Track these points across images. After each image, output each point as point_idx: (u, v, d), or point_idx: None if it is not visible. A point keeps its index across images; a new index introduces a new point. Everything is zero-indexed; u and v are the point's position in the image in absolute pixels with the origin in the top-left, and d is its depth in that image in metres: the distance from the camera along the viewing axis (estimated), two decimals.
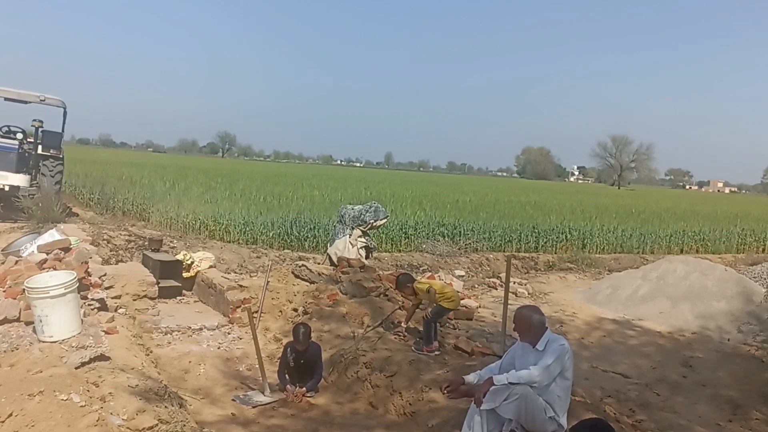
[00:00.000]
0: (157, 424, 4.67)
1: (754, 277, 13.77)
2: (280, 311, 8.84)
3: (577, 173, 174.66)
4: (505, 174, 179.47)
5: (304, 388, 6.51)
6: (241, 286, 9.33)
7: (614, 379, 7.72)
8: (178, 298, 10.13)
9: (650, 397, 7.21)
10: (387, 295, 8.78)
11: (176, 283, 10.23)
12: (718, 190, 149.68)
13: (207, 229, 16.00)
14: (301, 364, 6.62)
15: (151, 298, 9.38)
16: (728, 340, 9.80)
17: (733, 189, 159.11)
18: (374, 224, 11.03)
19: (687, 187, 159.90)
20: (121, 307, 8.32)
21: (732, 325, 10.21)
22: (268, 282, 9.04)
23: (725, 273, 11.70)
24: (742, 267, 17.33)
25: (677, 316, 10.64)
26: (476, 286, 13.29)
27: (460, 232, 17.67)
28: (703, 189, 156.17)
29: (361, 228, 10.86)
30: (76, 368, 5.13)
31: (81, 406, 4.43)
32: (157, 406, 5.02)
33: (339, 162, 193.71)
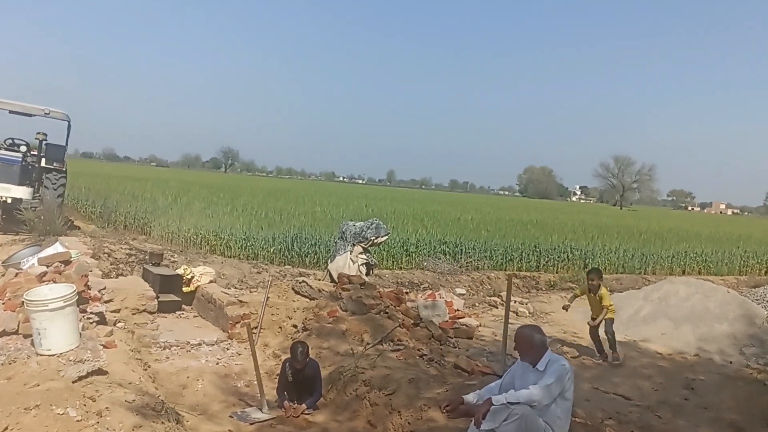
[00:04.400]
0: None
1: (757, 300, 13.70)
2: (280, 327, 8.80)
3: (579, 193, 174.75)
4: (507, 193, 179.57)
5: (304, 405, 6.47)
6: (241, 301, 9.30)
7: (615, 401, 7.65)
8: (178, 312, 10.09)
9: (652, 419, 7.14)
10: (387, 313, 8.74)
11: (176, 298, 10.21)
12: (721, 212, 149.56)
13: (208, 243, 15.97)
14: (300, 381, 6.57)
15: (151, 313, 9.34)
16: (730, 362, 9.73)
17: (735, 211, 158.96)
18: (375, 241, 11.02)
19: (689, 208, 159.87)
20: (120, 321, 8.27)
21: (734, 348, 10.14)
22: (268, 298, 9.01)
23: (727, 295, 11.64)
24: (745, 289, 17.25)
25: (679, 337, 10.58)
26: (477, 304, 13.23)
27: (461, 250, 17.63)
28: (705, 210, 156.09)
29: (362, 245, 10.84)
30: (73, 382, 5.09)
31: (77, 421, 4.40)
32: (153, 422, 4.98)
33: (341, 178, 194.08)
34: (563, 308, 9.94)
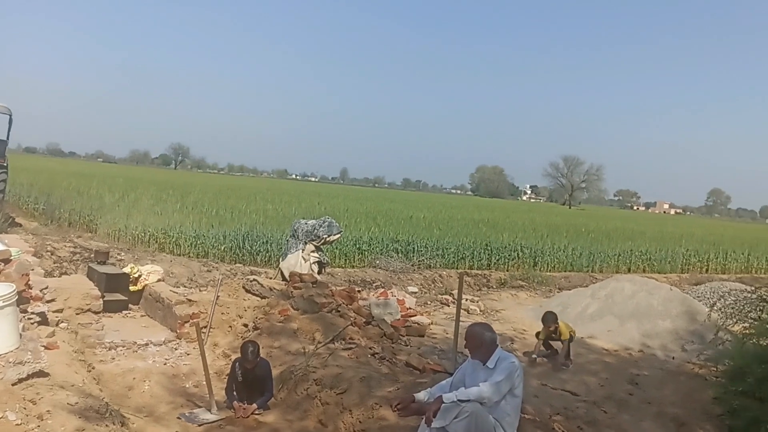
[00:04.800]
0: None
1: (698, 297, 14.15)
2: (230, 326, 8.68)
3: (529, 192, 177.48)
4: (459, 191, 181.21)
5: (254, 405, 6.39)
6: (190, 300, 9.14)
7: (563, 397, 7.78)
8: (124, 312, 9.86)
9: (598, 414, 7.28)
10: (339, 311, 8.71)
11: (122, 297, 9.97)
12: (664, 212, 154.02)
13: (156, 241, 15.66)
14: (250, 381, 6.49)
15: (96, 312, 9.10)
16: (673, 358, 10.01)
17: (678, 210, 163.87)
18: (328, 239, 10.97)
19: (635, 207, 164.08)
20: (63, 322, 8.02)
21: (676, 344, 10.44)
22: (218, 296, 8.87)
23: (670, 292, 11.98)
24: (686, 287, 17.80)
25: (624, 334, 10.83)
26: (429, 302, 13.30)
27: (413, 248, 17.72)
28: (650, 210, 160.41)
29: (314, 243, 10.77)
30: (12, 384, 4.91)
31: (17, 425, 4.25)
32: (97, 425, 4.85)
33: (294, 176, 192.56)
34: (530, 361, 9.14)
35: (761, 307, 8.36)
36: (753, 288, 10.35)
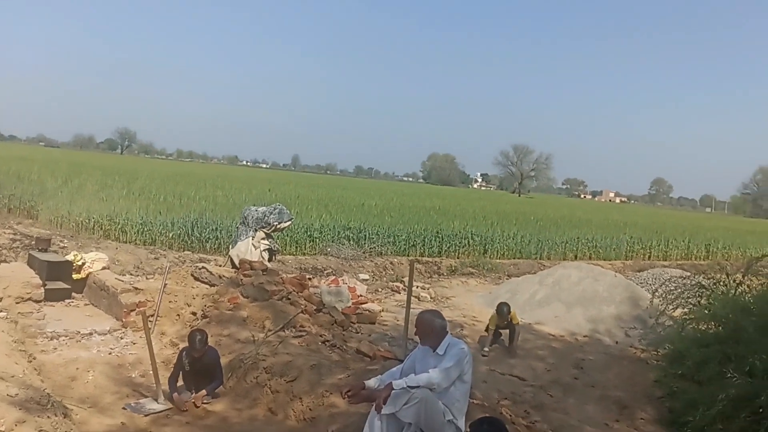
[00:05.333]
0: None
1: (641, 283, 14.56)
2: (178, 315, 8.53)
3: (480, 180, 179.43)
4: (411, 179, 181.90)
5: (204, 391, 6.30)
6: (136, 288, 8.95)
7: (511, 382, 7.93)
8: (67, 301, 9.59)
9: (544, 398, 7.45)
10: (290, 299, 8.65)
11: (65, 285, 9.69)
12: (610, 200, 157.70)
13: (101, 228, 15.27)
14: (198, 370, 6.40)
15: (37, 301, 8.85)
16: (616, 342, 10.29)
17: (623, 199, 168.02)
18: (278, 226, 10.88)
19: (582, 196, 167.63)
20: (1, 311, 7.79)
21: (620, 329, 10.74)
22: (165, 284, 8.71)
23: (615, 279, 12.30)
24: (630, 273, 18.29)
25: (570, 320, 11.08)
26: (380, 290, 13.34)
27: (365, 235, 17.73)
28: (596, 198, 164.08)
29: (264, 230, 10.68)
30: None
31: None
32: (38, 417, 4.72)
33: (245, 163, 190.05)
34: (483, 356, 8.99)
35: (700, 293, 8.66)
36: (692, 274, 10.73)
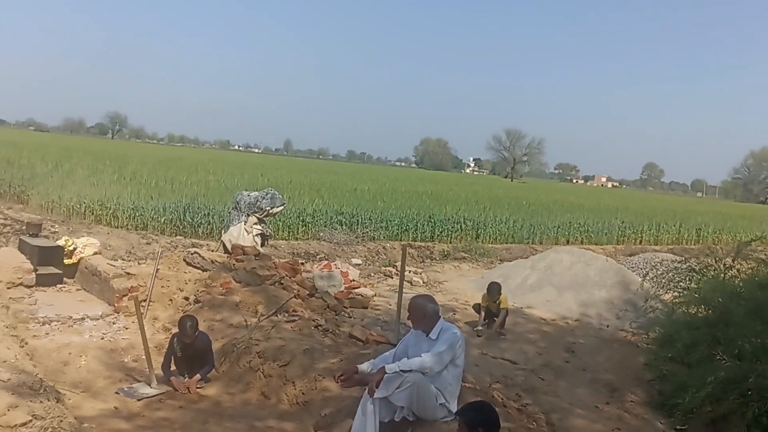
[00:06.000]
0: (30, 420, 4.40)
1: (632, 267, 14.65)
2: (171, 300, 8.53)
3: (472, 165, 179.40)
4: (403, 164, 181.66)
5: (198, 375, 6.32)
6: (128, 273, 8.92)
7: (503, 366, 7.97)
8: (59, 286, 9.55)
9: (535, 382, 7.50)
10: (282, 284, 8.66)
11: (56, 270, 9.65)
12: (602, 185, 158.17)
13: (93, 213, 15.20)
14: (190, 355, 6.41)
15: (28, 286, 8.82)
16: (607, 326, 10.37)
17: (615, 184, 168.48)
18: (270, 211, 10.86)
19: (574, 180, 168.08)
20: None
21: (611, 313, 10.81)
22: (157, 269, 8.69)
23: (606, 263, 12.37)
24: (621, 257, 18.40)
25: (562, 304, 11.14)
26: (372, 274, 13.37)
27: (357, 220, 17.73)
28: (588, 183, 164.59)
29: (256, 215, 10.65)
30: None
31: None
32: (31, 401, 4.72)
33: (237, 147, 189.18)
34: (476, 332, 9.28)
35: (690, 277, 8.72)
36: (683, 258, 10.78)
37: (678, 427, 6.68)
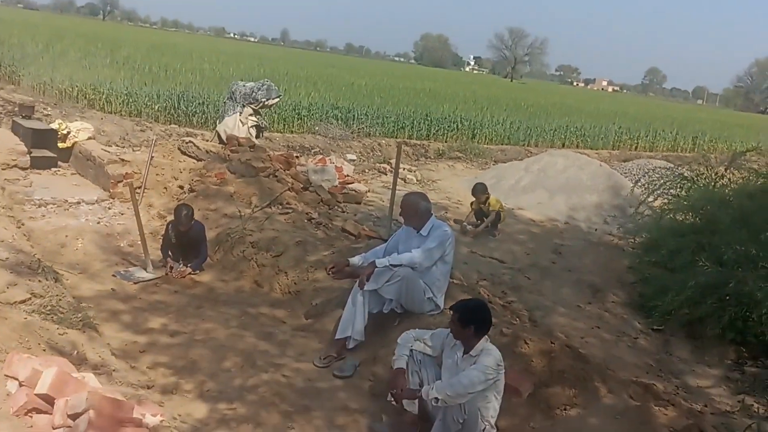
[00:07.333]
0: (30, 298, 4.55)
1: (625, 173, 14.70)
2: (165, 188, 8.57)
3: (472, 63, 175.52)
4: (402, 59, 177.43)
5: (189, 267, 6.47)
6: (123, 160, 8.92)
7: (491, 264, 8.16)
8: (53, 169, 9.56)
9: (522, 280, 7.71)
10: (277, 176, 8.69)
11: (51, 154, 9.63)
12: (603, 89, 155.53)
13: (86, 97, 14.93)
14: (185, 243, 6.53)
15: (23, 168, 8.83)
16: (595, 230, 10.53)
17: (616, 88, 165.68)
18: (266, 103, 10.74)
19: (575, 83, 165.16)
20: None
21: (600, 217, 10.94)
22: (152, 157, 8.68)
23: (599, 168, 12.39)
24: (615, 163, 18.41)
25: (552, 206, 11.24)
26: (366, 170, 13.40)
27: (353, 115, 17.51)
28: (589, 86, 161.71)
29: (252, 106, 10.54)
30: None
31: None
32: (30, 280, 4.86)
33: (232, 35, 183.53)
34: (464, 231, 9.25)
35: (681, 185, 8.80)
36: (676, 166, 10.84)
37: (655, 327, 6.97)
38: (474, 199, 9.57)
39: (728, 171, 8.99)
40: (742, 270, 6.43)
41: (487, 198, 9.46)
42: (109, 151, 9.41)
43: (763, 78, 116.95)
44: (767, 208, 6.90)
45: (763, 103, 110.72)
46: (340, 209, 9.24)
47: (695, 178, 8.78)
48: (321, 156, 12.39)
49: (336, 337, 5.16)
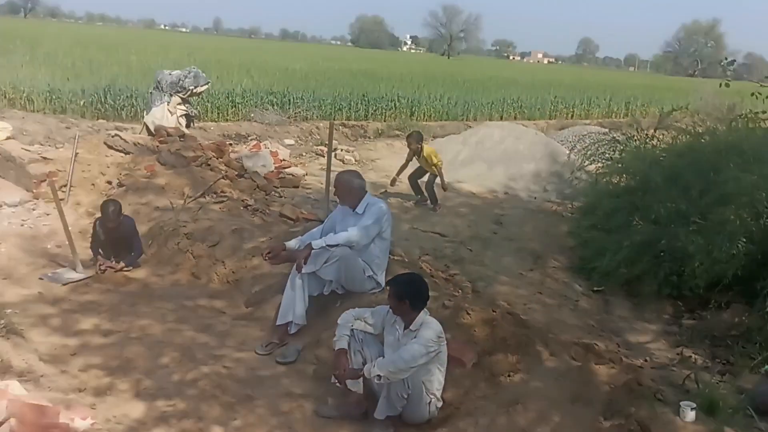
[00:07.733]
0: None
1: (561, 141, 14.89)
2: (93, 184, 8.25)
3: (409, 43, 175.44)
4: (339, 42, 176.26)
5: (122, 263, 6.23)
6: (44, 158, 8.52)
7: (433, 239, 8.14)
8: None
9: (464, 253, 7.71)
10: (209, 165, 8.47)
11: None
12: (538, 61, 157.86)
13: (5, 97, 14.26)
14: (115, 240, 6.29)
15: None
16: (535, 198, 10.65)
17: (551, 60, 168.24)
18: (195, 91, 10.47)
19: (511, 57, 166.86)
20: None
21: (538, 185, 11.07)
22: (76, 153, 8.33)
23: (536, 137, 12.54)
24: (552, 132, 18.66)
25: (492, 178, 11.31)
26: (304, 154, 13.23)
27: (289, 100, 17.27)
28: (525, 59, 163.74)
29: (180, 95, 10.25)
30: None
31: None
32: None
33: (163, 26, 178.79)
34: (390, 184, 9.90)
35: (614, 148, 8.96)
36: (609, 131, 11.02)
37: (595, 288, 7.10)
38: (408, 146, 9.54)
39: (657, 132, 9.19)
40: (675, 226, 6.58)
41: (421, 148, 9.33)
42: (29, 150, 8.98)
43: (690, 42, 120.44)
44: (695, 165, 7.05)
45: (692, 66, 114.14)
46: (277, 194, 9.07)
47: (627, 141, 8.94)
48: (255, 142, 12.15)
49: (277, 324, 5.07)
